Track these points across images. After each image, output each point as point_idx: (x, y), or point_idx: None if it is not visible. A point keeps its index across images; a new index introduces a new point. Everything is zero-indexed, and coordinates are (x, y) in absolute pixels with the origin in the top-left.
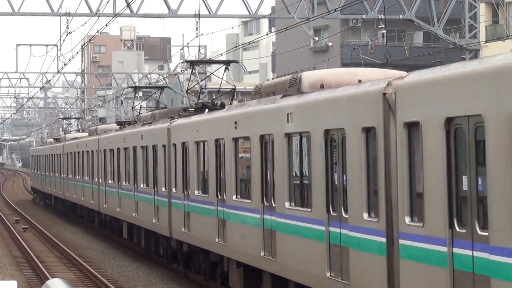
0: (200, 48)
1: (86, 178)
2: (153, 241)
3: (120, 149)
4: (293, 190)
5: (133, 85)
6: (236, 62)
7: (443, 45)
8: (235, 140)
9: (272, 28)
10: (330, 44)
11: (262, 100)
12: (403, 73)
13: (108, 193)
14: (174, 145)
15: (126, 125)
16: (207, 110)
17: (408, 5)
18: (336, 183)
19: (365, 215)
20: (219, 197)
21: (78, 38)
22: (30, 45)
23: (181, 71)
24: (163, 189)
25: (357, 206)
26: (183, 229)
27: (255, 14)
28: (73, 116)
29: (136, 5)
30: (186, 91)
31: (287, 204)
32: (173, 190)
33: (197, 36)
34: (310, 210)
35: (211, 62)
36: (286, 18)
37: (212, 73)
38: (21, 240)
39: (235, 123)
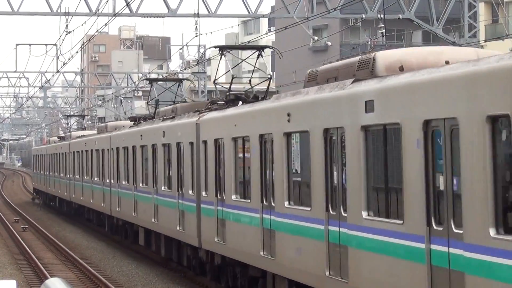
0: (200, 47)
1: (95, 179)
2: (176, 250)
3: (136, 147)
4: (373, 196)
5: (132, 84)
6: (271, 48)
7: (443, 45)
8: (288, 135)
9: (271, 27)
10: (329, 43)
11: (325, 87)
12: (496, 52)
13: (121, 196)
14: (205, 142)
15: (142, 121)
16: (240, 102)
17: (408, 5)
18: (441, 188)
19: (492, 232)
20: (264, 203)
21: (77, 38)
22: (30, 44)
23: (181, 70)
24: (190, 192)
25: (480, 220)
26: (216, 239)
27: (255, 14)
28: (75, 115)
29: (136, 5)
30: (214, 81)
31: (364, 214)
32: (203, 193)
33: (196, 36)
34: (401, 222)
35: (243, 47)
36: (285, 17)
37: (244, 60)
38: (20, 239)
39: (288, 115)
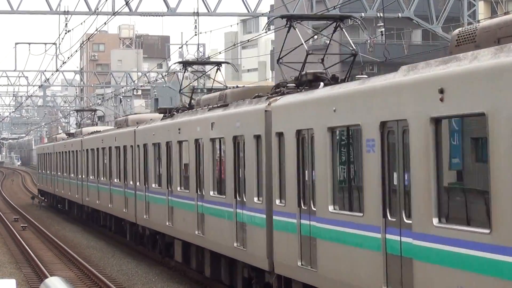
0: (199, 46)
1: (115, 180)
2: (226, 271)
3: (172, 144)
4: None
5: (133, 83)
6: (353, 17)
7: (442, 43)
8: (437, 121)
9: (270, 26)
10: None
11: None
12: None
13: (151, 201)
14: (279, 134)
15: (175, 112)
16: (322, 84)
17: (407, 3)
18: None
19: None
20: (389, 218)
21: (76, 37)
22: (29, 43)
23: (180, 70)
24: (256, 200)
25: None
26: (298, 263)
27: (254, 12)
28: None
29: (135, 4)
30: (277, 61)
31: None
32: (277, 202)
33: (195, 35)
34: None
35: (316, 17)
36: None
37: (319, 32)
38: (20, 238)
39: (441, 91)
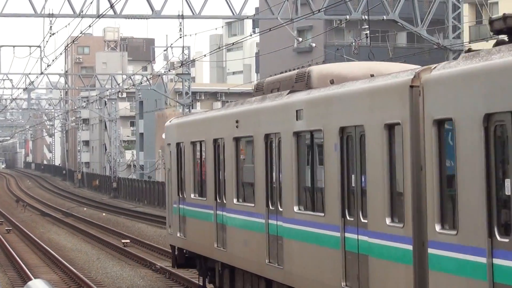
0: (184, 49)
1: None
2: None
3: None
4: None
5: (118, 86)
6: None
7: (427, 46)
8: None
9: (255, 29)
10: (314, 44)
11: None
12: None
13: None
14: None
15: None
16: None
17: (392, 6)
18: None
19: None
20: None
21: (61, 39)
22: (13, 46)
23: (165, 72)
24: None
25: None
26: None
27: (239, 15)
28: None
29: (120, 6)
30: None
31: None
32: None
33: (180, 37)
34: None
35: None
36: (269, 19)
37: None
38: (4, 241)
39: None
